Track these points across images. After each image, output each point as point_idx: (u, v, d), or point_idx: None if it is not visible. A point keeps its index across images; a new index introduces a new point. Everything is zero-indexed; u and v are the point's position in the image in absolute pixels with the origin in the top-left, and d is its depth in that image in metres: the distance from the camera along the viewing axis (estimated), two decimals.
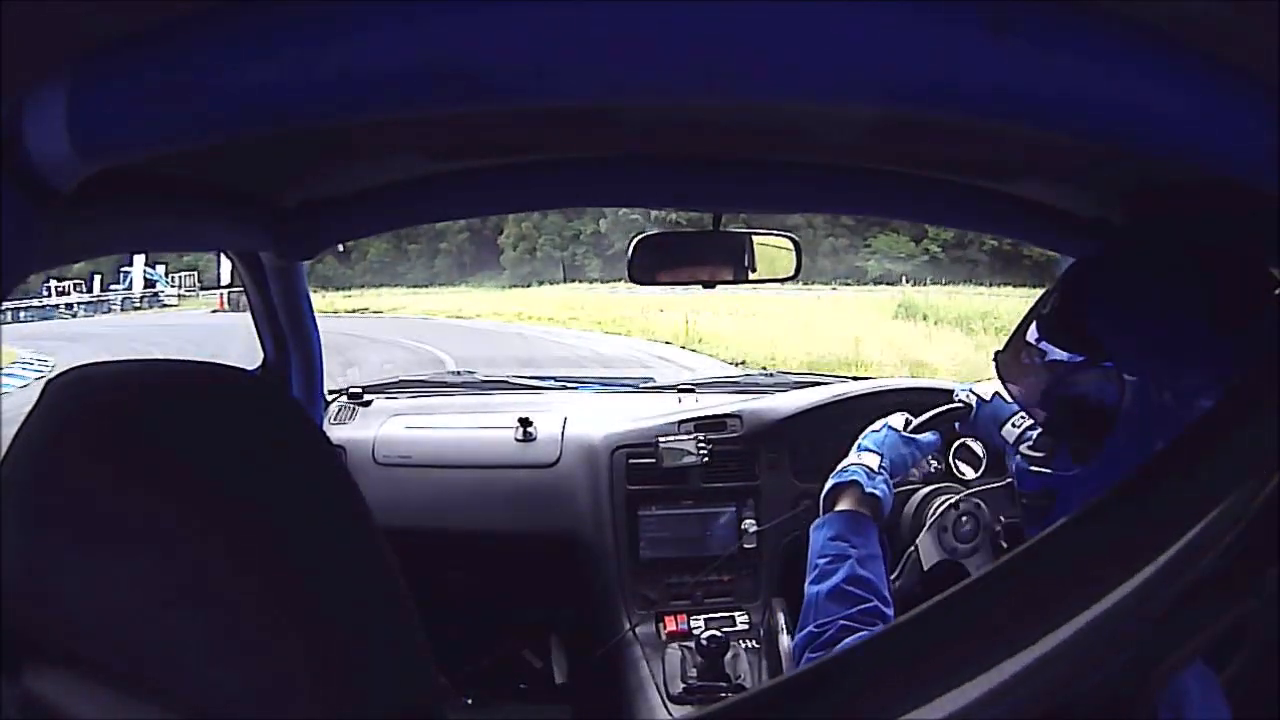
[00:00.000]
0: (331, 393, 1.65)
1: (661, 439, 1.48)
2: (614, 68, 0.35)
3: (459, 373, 1.95)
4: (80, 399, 0.33)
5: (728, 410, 1.55)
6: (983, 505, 1.32)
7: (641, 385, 1.94)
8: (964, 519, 1.32)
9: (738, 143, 0.88)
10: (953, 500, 1.32)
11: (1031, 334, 0.69)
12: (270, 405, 0.35)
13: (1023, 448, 0.74)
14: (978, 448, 1.42)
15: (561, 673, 1.60)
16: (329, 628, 0.31)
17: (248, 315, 1.28)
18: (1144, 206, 0.81)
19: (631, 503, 1.48)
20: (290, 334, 1.29)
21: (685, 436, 1.49)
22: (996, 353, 0.75)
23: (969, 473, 1.41)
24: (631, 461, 1.48)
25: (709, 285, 1.25)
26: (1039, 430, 0.73)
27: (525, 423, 1.54)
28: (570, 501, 1.49)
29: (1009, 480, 1.07)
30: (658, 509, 1.48)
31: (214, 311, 21.12)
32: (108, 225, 0.68)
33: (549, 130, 0.83)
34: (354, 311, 20.49)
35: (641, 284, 1.21)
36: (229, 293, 20.90)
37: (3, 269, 0.41)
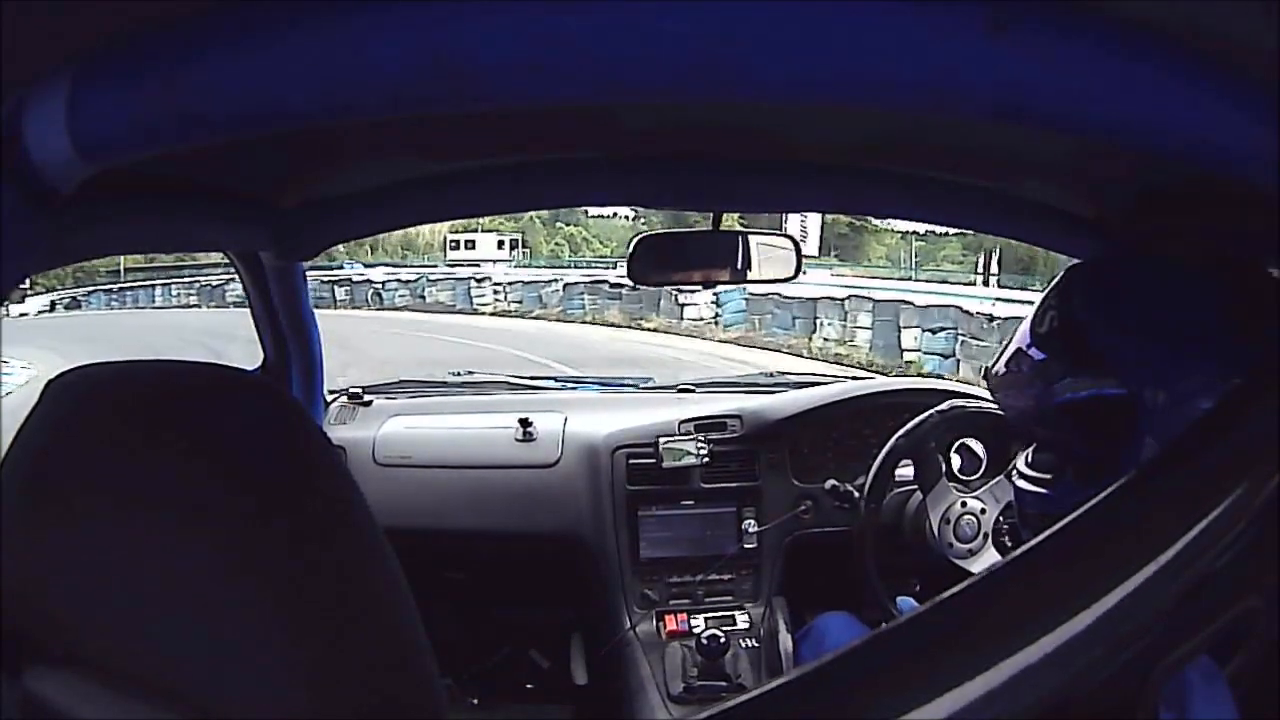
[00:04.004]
0: (332, 393, 1.64)
1: (662, 439, 1.48)
2: (613, 67, 0.35)
3: (459, 373, 1.95)
4: (81, 399, 0.33)
5: (728, 410, 1.55)
6: (983, 506, 1.33)
7: (641, 385, 1.94)
8: (965, 519, 1.32)
9: (738, 143, 0.88)
10: (953, 500, 1.32)
11: (1026, 345, 0.66)
12: (270, 405, 0.35)
13: (1019, 463, 0.70)
14: (978, 448, 1.42)
15: (581, 673, 1.60)
16: (330, 628, 0.31)
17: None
18: (1145, 207, 0.81)
19: (632, 503, 1.48)
20: (290, 334, 1.29)
21: (685, 436, 1.50)
22: (986, 368, 0.71)
23: (969, 473, 1.41)
24: (632, 461, 1.49)
25: (708, 285, 1.25)
26: (1036, 447, 0.70)
27: (525, 423, 1.54)
28: (571, 501, 1.49)
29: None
30: (658, 509, 1.48)
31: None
32: (108, 225, 0.68)
33: (548, 130, 0.83)
34: None
35: (641, 283, 1.22)
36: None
37: (2, 269, 0.40)
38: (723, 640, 1.30)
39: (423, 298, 18.49)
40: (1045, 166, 0.84)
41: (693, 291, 13.19)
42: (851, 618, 1.19)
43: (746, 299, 13.56)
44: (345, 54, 0.36)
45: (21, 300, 20.09)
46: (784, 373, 1.92)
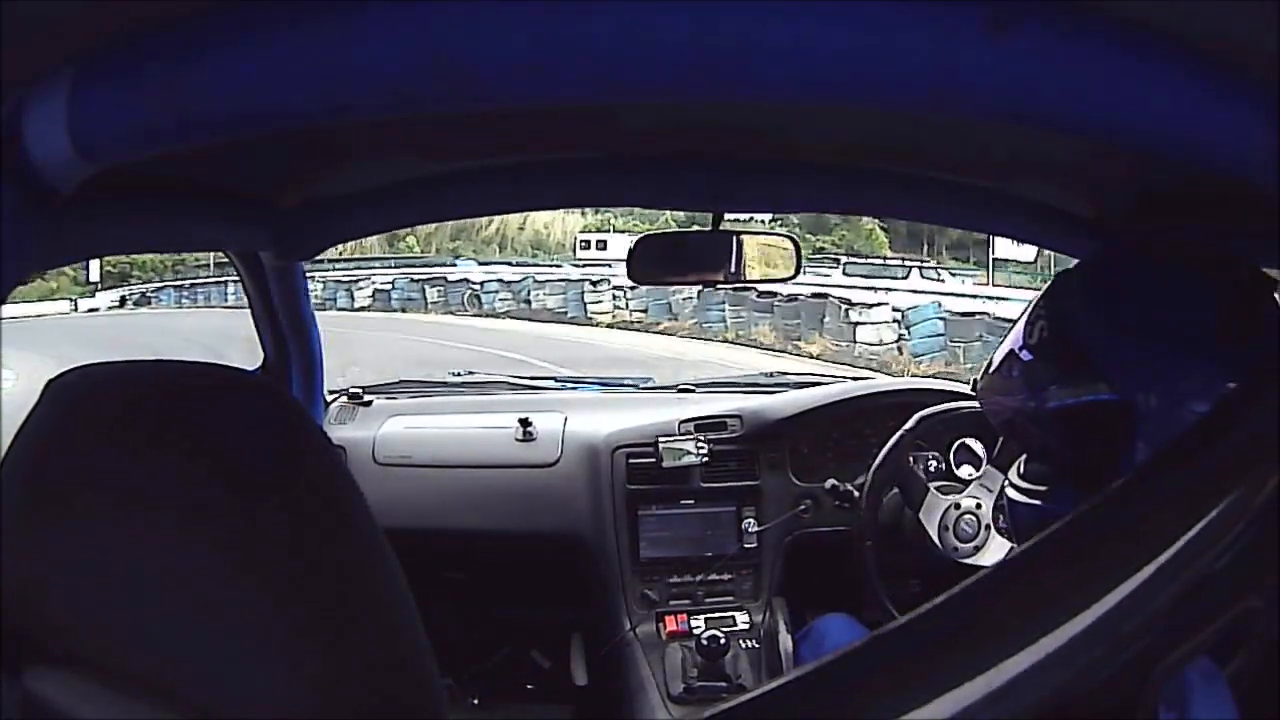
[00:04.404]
0: (332, 393, 1.64)
1: (662, 439, 1.48)
2: (613, 67, 0.35)
3: (459, 373, 1.95)
4: (81, 399, 0.33)
5: (728, 410, 1.55)
6: (977, 500, 1.33)
7: (642, 385, 1.95)
8: (963, 519, 1.32)
9: (738, 143, 0.88)
10: (946, 506, 1.33)
11: (1018, 348, 0.65)
12: (270, 405, 0.35)
13: (1011, 473, 0.70)
14: (978, 448, 1.42)
15: (582, 673, 1.60)
16: (330, 628, 0.31)
17: None
18: (1145, 207, 0.81)
19: (632, 502, 1.48)
20: (290, 334, 1.29)
21: (685, 436, 1.50)
22: (976, 380, 0.71)
23: (969, 473, 1.41)
24: (632, 461, 1.49)
25: (709, 285, 1.25)
26: (1026, 457, 0.69)
27: (525, 423, 1.54)
28: (571, 501, 1.49)
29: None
30: (658, 509, 1.48)
31: None
32: (108, 225, 0.69)
33: (549, 130, 0.84)
34: None
35: (641, 283, 1.21)
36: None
37: (3, 269, 0.40)
38: (723, 641, 1.30)
39: (528, 302, 15.40)
40: (1045, 166, 0.84)
41: (869, 307, 10.83)
42: (851, 619, 1.19)
43: (944, 318, 10.26)
44: (345, 54, 0.36)
45: (93, 295, 19.32)
46: (783, 373, 1.93)
